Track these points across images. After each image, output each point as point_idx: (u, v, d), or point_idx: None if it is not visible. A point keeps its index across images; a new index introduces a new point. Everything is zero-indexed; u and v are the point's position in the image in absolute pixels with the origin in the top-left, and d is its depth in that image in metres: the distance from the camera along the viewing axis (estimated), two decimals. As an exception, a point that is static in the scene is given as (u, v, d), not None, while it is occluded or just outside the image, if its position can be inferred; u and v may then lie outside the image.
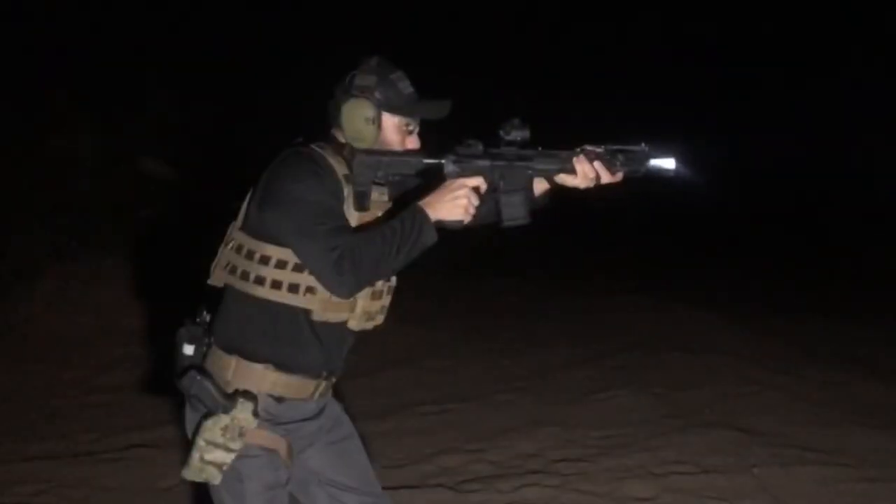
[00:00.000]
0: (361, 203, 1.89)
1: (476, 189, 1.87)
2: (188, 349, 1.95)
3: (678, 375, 5.27)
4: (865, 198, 13.09)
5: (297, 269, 1.86)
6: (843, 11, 14.54)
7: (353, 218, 1.90)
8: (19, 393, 5.00)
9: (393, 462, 3.90)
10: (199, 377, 1.87)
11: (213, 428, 1.85)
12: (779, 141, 13.96)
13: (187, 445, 1.91)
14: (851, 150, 13.88)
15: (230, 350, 1.93)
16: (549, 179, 1.99)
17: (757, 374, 5.24)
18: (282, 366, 1.92)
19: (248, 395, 1.88)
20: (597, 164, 1.91)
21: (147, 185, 7.23)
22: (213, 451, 1.86)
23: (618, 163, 1.92)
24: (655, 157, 1.92)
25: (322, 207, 1.83)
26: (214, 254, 2.00)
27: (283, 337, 1.91)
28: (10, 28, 6.75)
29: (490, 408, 4.77)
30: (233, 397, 1.87)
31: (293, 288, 1.86)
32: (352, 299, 1.91)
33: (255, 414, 1.87)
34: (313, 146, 1.92)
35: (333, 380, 2.06)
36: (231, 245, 1.95)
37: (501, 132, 1.91)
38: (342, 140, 1.95)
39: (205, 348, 1.97)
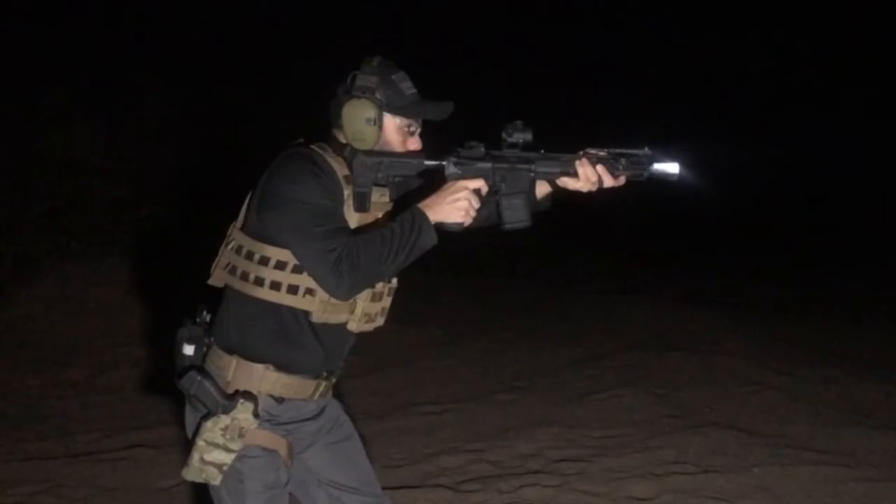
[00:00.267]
0: (361, 204, 1.88)
1: (477, 191, 1.87)
2: (188, 349, 1.95)
3: (678, 375, 5.27)
4: (865, 197, 13.09)
5: (297, 270, 1.85)
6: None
7: (353, 219, 1.89)
8: (19, 392, 4.99)
9: (393, 462, 3.90)
10: (199, 377, 1.86)
11: (213, 428, 1.85)
12: (778, 140, 13.98)
13: (188, 445, 1.91)
14: (851, 150, 13.88)
15: (230, 350, 1.93)
16: (552, 182, 1.99)
17: (757, 374, 5.24)
18: (282, 366, 1.92)
19: (249, 396, 1.88)
20: (599, 167, 1.90)
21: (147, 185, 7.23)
22: (213, 452, 1.86)
23: (620, 166, 1.91)
24: (659, 161, 1.91)
25: (321, 209, 1.82)
26: (215, 254, 2.00)
27: (283, 337, 1.91)
28: (9, 28, 6.75)
29: (490, 408, 4.77)
30: (233, 398, 1.87)
31: (292, 289, 1.86)
32: (352, 301, 1.91)
33: (256, 414, 1.87)
34: (313, 147, 1.92)
35: (334, 380, 2.06)
36: (231, 245, 1.95)
37: (504, 134, 1.90)
38: (343, 141, 1.94)
39: (205, 348, 1.97)
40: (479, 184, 1.88)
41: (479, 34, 12.22)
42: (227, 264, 1.94)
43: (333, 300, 1.87)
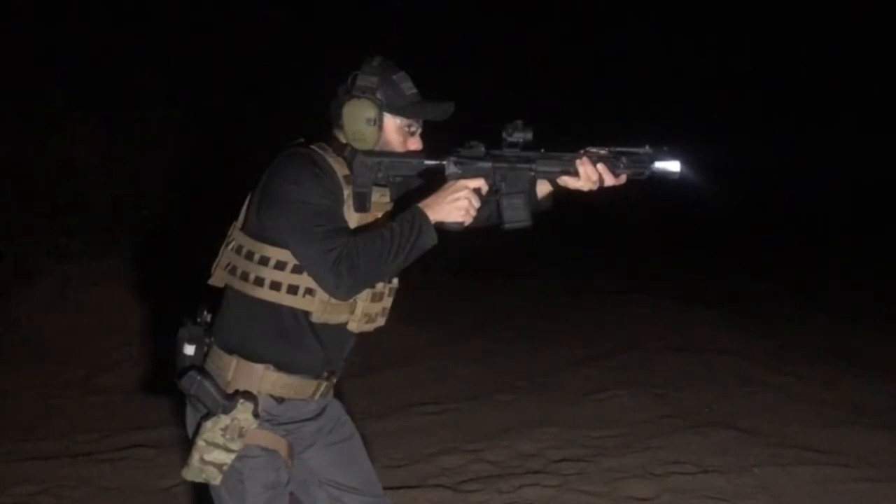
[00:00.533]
0: (361, 204, 1.88)
1: (477, 191, 1.86)
2: (189, 349, 1.95)
3: (678, 375, 5.27)
4: (865, 197, 13.09)
5: (297, 270, 1.85)
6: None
7: (353, 219, 1.89)
8: (18, 393, 4.99)
9: (393, 462, 3.90)
10: (199, 377, 1.87)
11: (213, 428, 1.85)
12: (779, 140, 13.98)
13: (188, 445, 1.91)
14: (850, 149, 13.89)
15: (231, 350, 1.93)
16: (552, 182, 1.98)
17: (757, 374, 5.24)
18: (282, 366, 1.92)
19: (249, 396, 1.88)
20: (600, 166, 1.90)
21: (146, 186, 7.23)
22: (213, 452, 1.86)
23: (621, 165, 1.91)
24: (660, 159, 1.90)
25: (320, 209, 1.82)
26: (215, 254, 2.00)
27: (283, 337, 1.91)
28: (9, 28, 6.74)
29: (490, 408, 4.77)
30: (233, 398, 1.87)
31: (292, 289, 1.86)
32: (352, 301, 1.90)
33: (256, 414, 1.87)
34: (313, 147, 1.92)
35: (334, 380, 2.06)
36: (231, 245, 1.95)
37: (504, 133, 1.90)
38: (343, 141, 1.94)
39: (205, 348, 1.97)
40: (480, 183, 1.88)
41: (478, 34, 12.21)
42: (228, 264, 1.94)
43: (333, 300, 1.87)
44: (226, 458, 1.86)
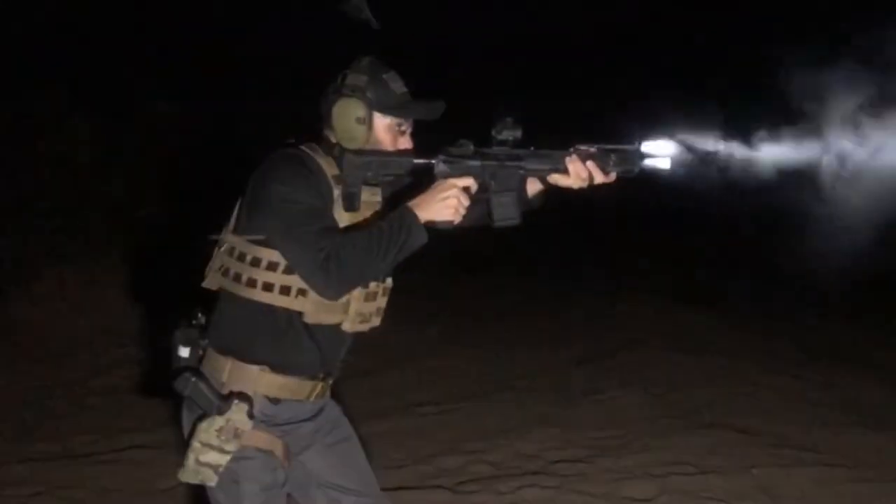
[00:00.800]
0: (351, 204, 1.88)
1: (466, 189, 1.86)
2: (184, 352, 1.95)
3: (678, 375, 5.26)
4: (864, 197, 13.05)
5: (288, 271, 1.85)
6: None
7: (344, 219, 1.89)
8: (16, 394, 4.98)
9: (392, 463, 3.89)
10: (192, 379, 1.87)
11: (208, 429, 1.85)
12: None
13: (185, 447, 1.91)
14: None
15: (225, 352, 1.92)
16: (543, 180, 1.98)
17: (756, 374, 5.24)
18: (277, 367, 1.91)
19: (243, 397, 1.87)
20: (589, 163, 1.89)
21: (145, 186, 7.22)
22: (209, 453, 1.86)
23: (611, 162, 1.90)
24: (650, 156, 1.90)
25: (308, 209, 1.82)
26: (210, 256, 2.00)
27: (277, 338, 1.91)
28: (6, 27, 6.74)
29: (489, 408, 4.76)
30: (227, 399, 1.86)
31: (284, 290, 1.86)
32: (345, 301, 1.90)
33: (250, 415, 1.87)
34: (303, 147, 1.92)
35: (330, 381, 2.06)
36: (224, 247, 1.95)
37: (493, 132, 1.90)
38: (333, 140, 1.94)
39: (201, 351, 1.97)
40: (469, 182, 1.87)
41: (478, 33, 12.20)
42: (221, 266, 1.94)
43: (326, 301, 1.86)
44: (221, 459, 1.86)
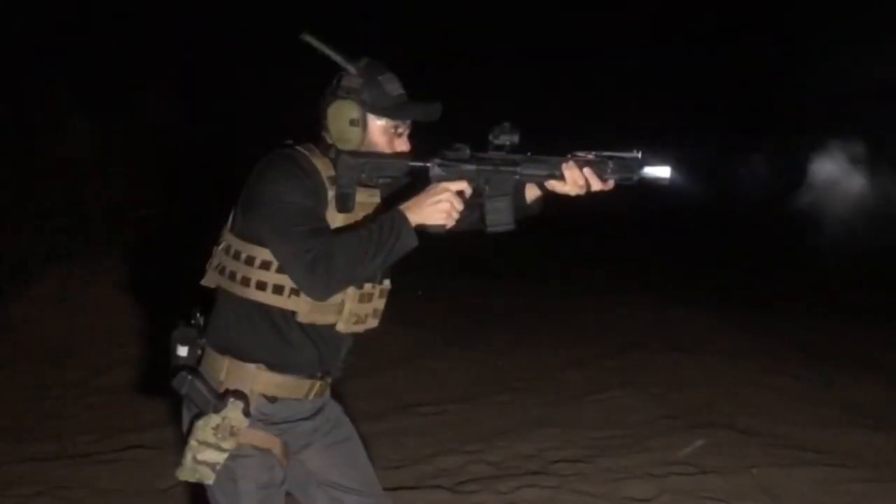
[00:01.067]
0: (344, 205, 1.87)
1: (460, 193, 1.85)
2: (181, 351, 1.95)
3: (677, 375, 5.27)
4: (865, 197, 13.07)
5: (281, 270, 1.85)
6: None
7: (338, 220, 1.88)
8: (16, 394, 4.98)
9: (391, 463, 3.89)
10: (189, 377, 1.87)
11: (205, 428, 1.85)
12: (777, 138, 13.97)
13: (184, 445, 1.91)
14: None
15: (223, 351, 1.93)
16: (540, 186, 1.97)
17: (756, 374, 5.24)
18: (274, 366, 1.91)
19: (239, 395, 1.88)
20: (586, 170, 1.87)
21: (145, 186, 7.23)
22: (206, 451, 1.86)
23: (608, 170, 1.88)
24: (649, 164, 1.88)
25: (300, 209, 1.82)
26: (210, 254, 2.00)
27: (273, 337, 1.91)
28: (6, 28, 6.74)
29: (488, 408, 4.76)
30: (224, 397, 1.87)
31: (278, 289, 1.86)
32: (339, 301, 1.90)
33: (246, 413, 1.87)
34: (299, 148, 1.91)
35: (329, 380, 2.06)
36: (221, 245, 1.96)
37: (490, 136, 1.88)
38: (329, 141, 1.94)
39: (199, 350, 1.97)
40: (463, 186, 1.86)
41: (476, 33, 12.21)
42: (218, 265, 1.95)
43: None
44: (218, 457, 1.86)
